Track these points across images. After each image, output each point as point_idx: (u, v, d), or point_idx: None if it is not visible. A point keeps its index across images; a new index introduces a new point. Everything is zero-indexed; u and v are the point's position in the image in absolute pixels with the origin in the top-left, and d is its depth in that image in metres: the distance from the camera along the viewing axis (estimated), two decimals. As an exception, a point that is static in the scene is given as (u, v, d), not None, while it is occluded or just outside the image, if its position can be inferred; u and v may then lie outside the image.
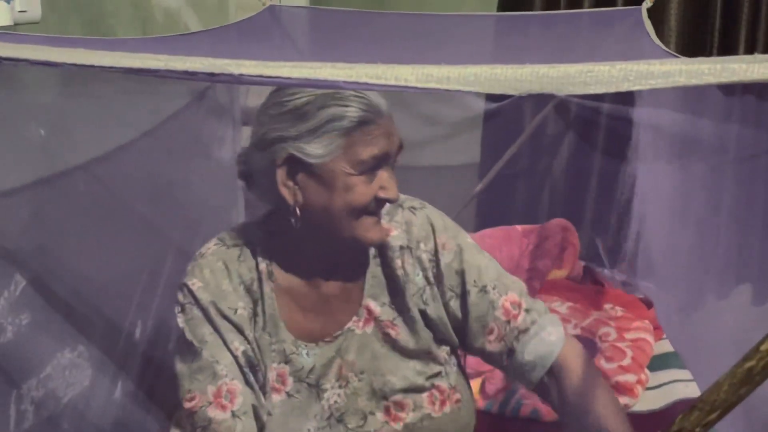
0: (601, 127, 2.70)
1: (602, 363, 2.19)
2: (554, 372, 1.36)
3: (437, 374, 1.38)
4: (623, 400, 2.09)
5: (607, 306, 2.49)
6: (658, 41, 1.47)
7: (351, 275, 1.37)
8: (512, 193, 2.99)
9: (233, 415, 1.26)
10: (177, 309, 1.33)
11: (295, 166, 1.24)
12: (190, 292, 1.31)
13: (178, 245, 2.20)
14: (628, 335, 2.30)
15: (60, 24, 1.73)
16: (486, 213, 3.07)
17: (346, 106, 1.19)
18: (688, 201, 2.19)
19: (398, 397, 1.34)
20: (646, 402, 2.12)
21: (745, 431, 1.80)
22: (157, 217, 2.08)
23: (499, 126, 2.83)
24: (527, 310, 1.39)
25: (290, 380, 1.33)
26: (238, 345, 1.29)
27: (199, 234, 2.34)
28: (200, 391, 1.26)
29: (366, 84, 0.68)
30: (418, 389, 1.36)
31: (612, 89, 0.65)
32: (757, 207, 2.06)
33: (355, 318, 1.35)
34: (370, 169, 1.22)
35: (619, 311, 2.45)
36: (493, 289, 1.38)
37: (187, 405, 1.27)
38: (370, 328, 1.35)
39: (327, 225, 1.26)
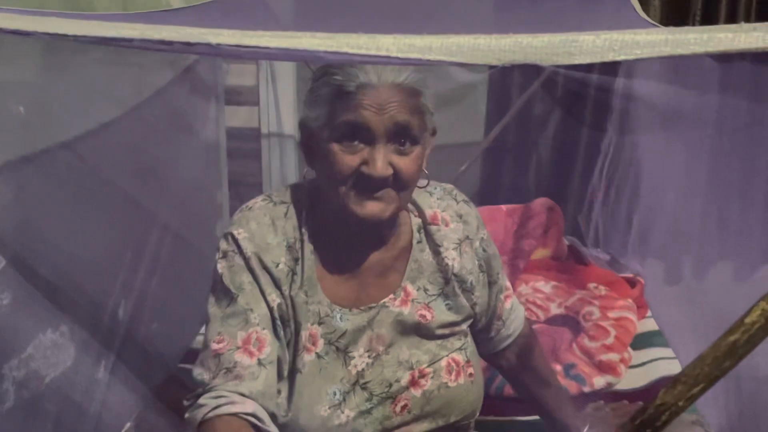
0: (588, 102, 2.70)
1: (585, 342, 2.19)
2: (517, 341, 1.60)
3: (459, 348, 1.44)
4: (607, 378, 2.10)
5: (591, 285, 2.49)
6: (644, 15, 1.46)
7: (383, 252, 1.40)
8: (498, 173, 2.98)
9: (259, 362, 1.28)
10: (218, 255, 1.34)
11: (306, 129, 1.32)
12: (235, 240, 1.33)
13: (162, 223, 2.19)
14: (612, 314, 2.30)
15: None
16: (471, 192, 3.06)
17: (333, 75, 1.23)
18: (673, 177, 2.19)
19: (423, 367, 1.40)
20: (630, 380, 2.13)
21: (727, 406, 1.82)
22: (140, 196, 2.06)
23: (500, 105, 2.81)
24: (511, 293, 1.58)
25: (321, 342, 1.35)
26: (275, 297, 1.32)
27: (182, 212, 2.33)
28: (230, 335, 1.28)
29: (347, 54, 0.67)
30: (440, 359, 1.42)
31: (597, 59, 0.64)
32: (740, 185, 2.06)
33: (391, 296, 1.40)
34: (344, 137, 1.24)
35: (602, 290, 2.45)
36: (502, 275, 1.55)
37: (215, 347, 1.28)
38: (407, 309, 1.40)
39: (326, 191, 1.31)
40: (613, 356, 2.14)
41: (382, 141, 1.24)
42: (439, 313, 1.42)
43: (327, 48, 0.67)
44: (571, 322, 2.35)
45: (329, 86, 1.24)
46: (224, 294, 1.32)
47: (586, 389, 2.07)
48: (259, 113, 3.03)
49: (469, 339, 1.49)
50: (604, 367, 2.12)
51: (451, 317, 1.44)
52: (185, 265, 2.31)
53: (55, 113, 1.70)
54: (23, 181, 1.60)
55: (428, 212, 1.45)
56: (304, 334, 1.34)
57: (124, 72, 1.98)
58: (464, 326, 1.47)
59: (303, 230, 1.36)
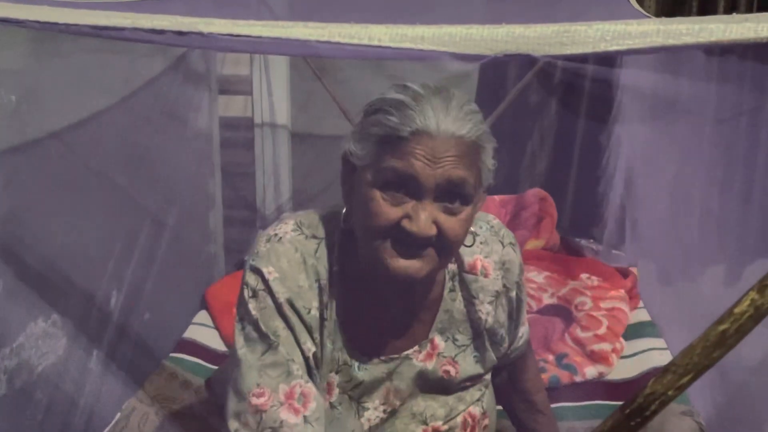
0: (583, 94, 2.70)
1: (578, 332, 2.20)
2: (515, 361, 1.51)
3: (477, 400, 1.36)
4: (598, 368, 2.11)
5: (583, 275, 2.50)
6: (638, 7, 1.46)
7: (415, 301, 1.29)
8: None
9: (305, 420, 1.17)
10: (248, 293, 1.20)
11: (348, 163, 1.18)
12: (265, 281, 1.19)
13: (154, 213, 2.18)
14: (604, 304, 2.31)
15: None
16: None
17: (388, 113, 1.10)
18: (665, 173, 2.20)
19: (437, 423, 1.32)
20: (621, 370, 2.14)
21: (716, 396, 1.83)
22: (131, 186, 2.06)
23: (491, 94, 2.80)
24: (525, 319, 1.47)
25: (336, 391, 1.26)
26: (311, 346, 1.21)
27: (174, 202, 2.33)
28: (271, 387, 1.17)
29: (339, 44, 0.67)
30: (457, 415, 1.34)
31: (589, 49, 0.64)
32: (732, 187, 2.06)
33: (416, 348, 1.29)
34: (388, 185, 1.11)
35: (595, 281, 2.46)
36: (525, 307, 1.44)
37: (255, 401, 1.16)
38: (431, 364, 1.30)
39: (360, 237, 1.18)
40: (604, 346, 2.15)
41: (429, 197, 1.11)
42: (465, 366, 1.33)
43: (319, 37, 0.67)
44: (563, 312, 2.36)
45: (381, 126, 1.10)
46: (260, 338, 1.19)
47: (578, 379, 2.08)
48: (252, 103, 3.03)
49: (489, 389, 1.41)
50: (595, 357, 2.13)
51: (477, 370, 1.34)
52: (177, 255, 2.31)
53: (46, 102, 1.69)
54: (13, 171, 1.59)
55: (467, 260, 1.31)
56: (322, 384, 1.25)
57: (116, 60, 1.97)
58: (487, 377, 1.38)
59: (334, 270, 1.24)
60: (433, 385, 1.31)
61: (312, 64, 2.72)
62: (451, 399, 1.33)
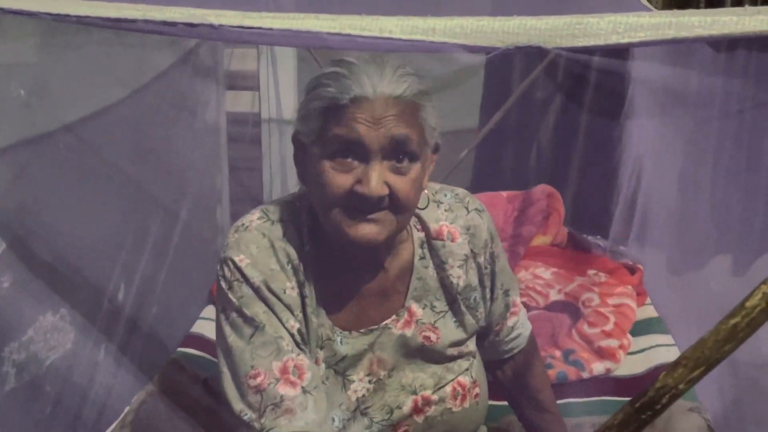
0: (593, 88, 2.68)
1: (585, 328, 2.20)
2: (515, 357, 1.54)
3: (465, 369, 1.38)
4: (605, 364, 2.11)
5: (590, 272, 2.50)
6: (646, 3, 1.46)
7: (382, 274, 1.32)
8: (499, 159, 2.98)
9: (303, 391, 1.21)
10: (224, 286, 1.24)
11: (297, 143, 1.24)
12: (238, 268, 1.23)
13: (162, 207, 2.19)
14: (611, 301, 2.31)
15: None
16: (471, 179, 3.06)
17: (326, 86, 1.15)
18: (673, 168, 2.19)
19: (427, 393, 1.34)
20: (628, 367, 2.14)
21: (725, 392, 1.82)
22: (140, 179, 2.06)
23: (499, 90, 2.80)
24: (520, 308, 1.51)
25: (323, 366, 1.30)
26: (294, 323, 1.24)
27: (182, 196, 2.33)
28: (264, 367, 1.20)
29: (350, 36, 0.67)
30: (445, 385, 1.36)
31: (600, 42, 0.64)
32: (740, 177, 2.05)
33: (394, 317, 1.33)
34: (336, 153, 1.16)
35: (602, 277, 2.46)
36: (512, 292, 1.46)
37: (253, 383, 1.20)
38: (410, 331, 1.33)
39: (319, 211, 1.22)
40: (612, 342, 2.15)
41: (377, 158, 1.15)
42: (447, 332, 1.35)
43: (329, 29, 0.67)
44: (570, 308, 2.36)
45: (321, 99, 1.16)
46: (245, 323, 1.22)
47: (585, 375, 2.08)
48: (259, 98, 3.03)
49: (477, 358, 1.43)
50: (603, 353, 2.13)
51: (460, 335, 1.37)
52: (185, 249, 2.31)
53: (56, 95, 1.70)
54: (24, 164, 1.60)
55: (433, 226, 1.35)
56: (312, 359, 1.28)
57: (126, 53, 1.97)
58: (471, 345, 1.41)
59: (306, 249, 1.28)
60: (416, 351, 1.34)
61: (320, 60, 2.72)
62: (439, 369, 1.36)
